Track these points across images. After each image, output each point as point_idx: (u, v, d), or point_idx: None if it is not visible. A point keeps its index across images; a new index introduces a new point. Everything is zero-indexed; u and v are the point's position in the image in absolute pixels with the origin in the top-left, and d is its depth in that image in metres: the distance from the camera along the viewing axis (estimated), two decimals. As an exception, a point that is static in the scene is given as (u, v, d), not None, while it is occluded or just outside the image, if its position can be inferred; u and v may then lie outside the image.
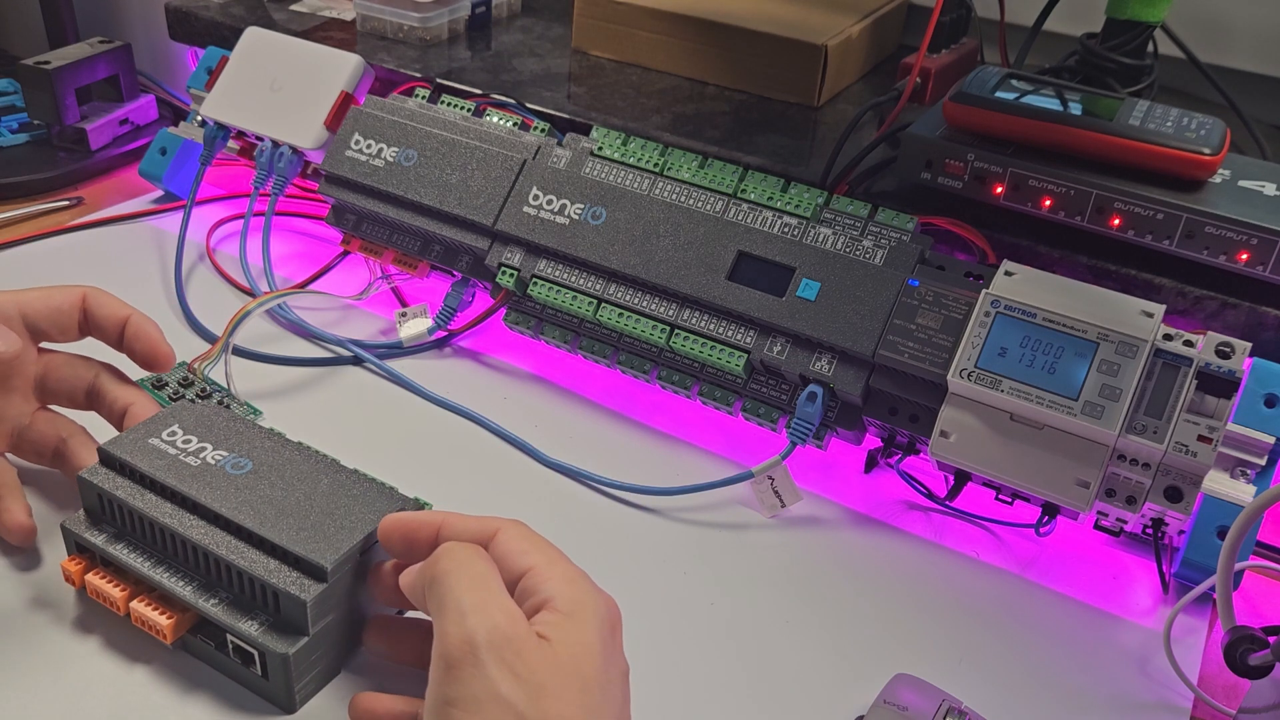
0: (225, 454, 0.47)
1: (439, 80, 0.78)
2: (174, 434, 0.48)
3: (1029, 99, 0.62)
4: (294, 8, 0.92)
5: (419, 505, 0.47)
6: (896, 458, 0.58)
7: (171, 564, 0.45)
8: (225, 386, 0.60)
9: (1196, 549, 0.51)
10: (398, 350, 0.68)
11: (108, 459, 0.47)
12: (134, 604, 0.45)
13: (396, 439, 0.60)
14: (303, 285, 0.73)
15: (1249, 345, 0.50)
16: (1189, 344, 0.51)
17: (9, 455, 0.52)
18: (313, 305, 0.71)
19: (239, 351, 0.64)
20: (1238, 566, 0.51)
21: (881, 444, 0.59)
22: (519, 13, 0.95)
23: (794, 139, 0.73)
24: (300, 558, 0.42)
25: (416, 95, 0.72)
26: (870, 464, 0.60)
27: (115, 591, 0.45)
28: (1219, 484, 0.51)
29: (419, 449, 0.60)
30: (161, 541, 0.45)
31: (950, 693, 0.45)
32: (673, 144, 0.68)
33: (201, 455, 0.47)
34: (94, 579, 0.45)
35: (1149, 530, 0.54)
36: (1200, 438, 0.49)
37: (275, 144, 0.73)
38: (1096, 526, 0.55)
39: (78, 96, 0.87)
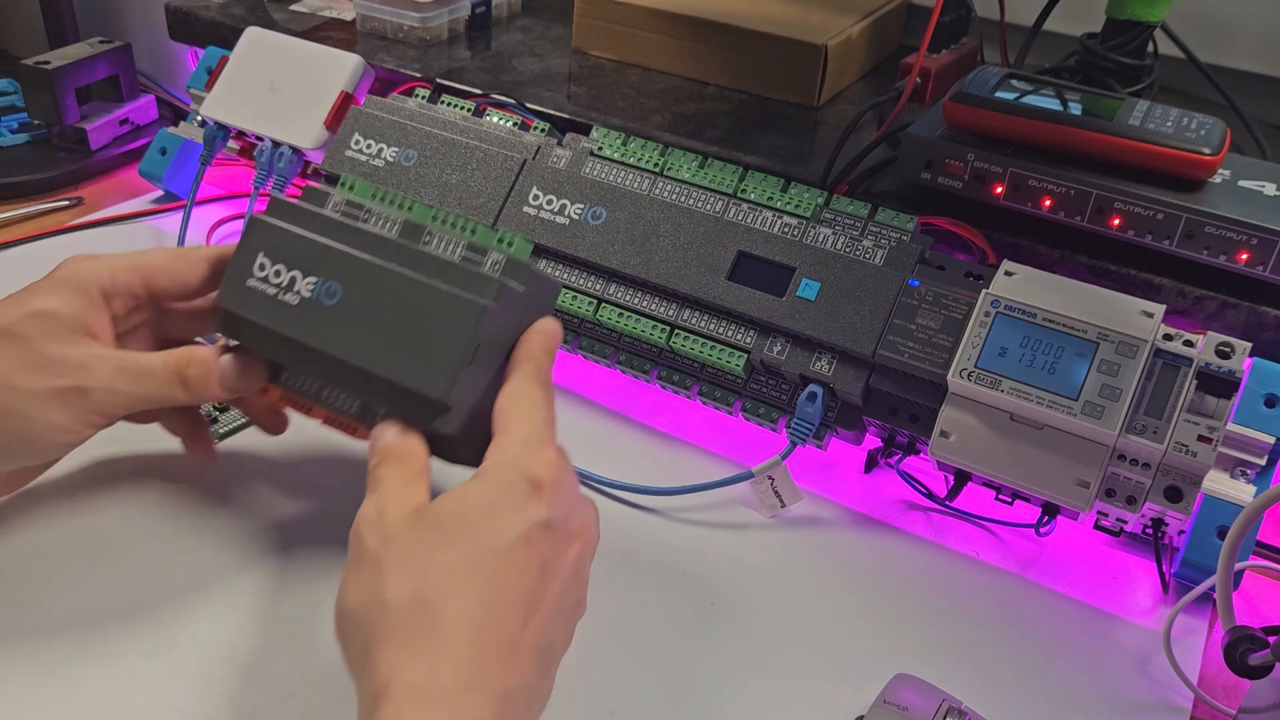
0: (315, 280, 0.47)
1: (439, 80, 0.78)
2: (263, 267, 0.47)
3: (1029, 99, 0.62)
4: (294, 8, 0.92)
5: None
6: (896, 458, 0.58)
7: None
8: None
9: (1196, 549, 0.51)
10: (398, 350, 0.68)
11: (226, 319, 0.48)
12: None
13: (396, 439, 0.60)
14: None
15: (1249, 345, 0.50)
16: (1189, 344, 0.51)
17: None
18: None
19: (239, 351, 0.64)
20: (1238, 566, 0.51)
21: (881, 444, 0.59)
22: (519, 13, 0.95)
23: (794, 139, 0.73)
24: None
25: (416, 95, 0.72)
26: (870, 464, 0.60)
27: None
28: (1219, 484, 0.51)
29: (419, 449, 0.60)
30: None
31: (950, 693, 0.45)
32: (673, 144, 0.68)
33: (295, 288, 0.47)
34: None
35: (1149, 530, 0.54)
36: (1200, 438, 0.49)
37: (275, 144, 0.73)
38: (1096, 526, 0.55)
39: (78, 96, 0.87)
